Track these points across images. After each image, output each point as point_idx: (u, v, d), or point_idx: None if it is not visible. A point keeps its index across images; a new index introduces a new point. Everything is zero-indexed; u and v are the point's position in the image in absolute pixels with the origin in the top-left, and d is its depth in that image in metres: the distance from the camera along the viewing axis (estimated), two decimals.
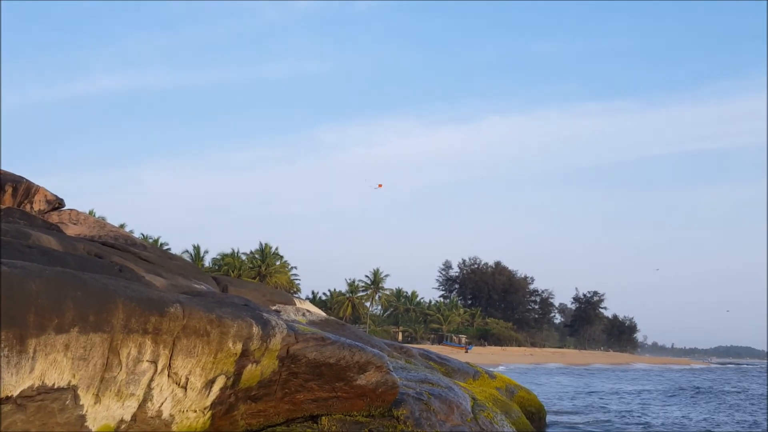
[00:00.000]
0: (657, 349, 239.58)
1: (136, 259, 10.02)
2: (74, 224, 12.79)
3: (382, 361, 8.85)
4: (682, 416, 23.61)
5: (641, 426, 20.55)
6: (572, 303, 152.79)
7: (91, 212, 61.73)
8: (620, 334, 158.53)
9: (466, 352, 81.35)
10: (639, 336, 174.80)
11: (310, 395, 8.37)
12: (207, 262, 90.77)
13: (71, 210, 14.21)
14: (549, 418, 20.30)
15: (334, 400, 8.58)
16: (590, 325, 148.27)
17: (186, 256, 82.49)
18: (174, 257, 12.93)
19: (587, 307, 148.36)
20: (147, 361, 6.76)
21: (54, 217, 13.43)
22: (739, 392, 36.82)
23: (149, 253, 11.13)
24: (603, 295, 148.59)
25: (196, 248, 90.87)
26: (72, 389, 6.23)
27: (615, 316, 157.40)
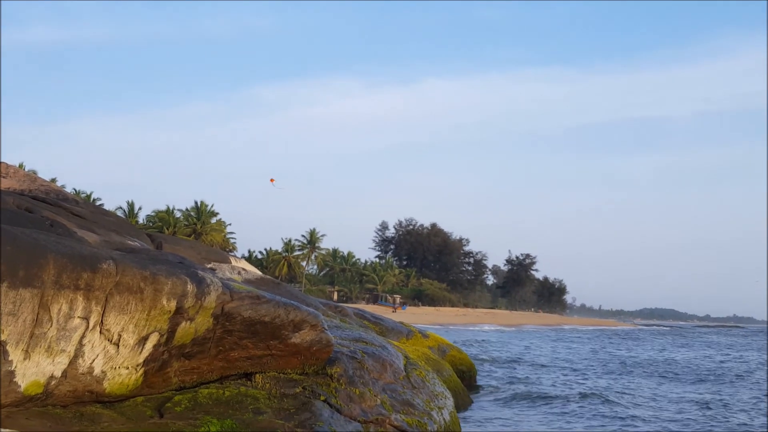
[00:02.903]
0: (585, 311, 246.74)
1: (68, 215, 9.80)
2: (3, 177, 12.41)
3: (317, 320, 8.94)
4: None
5: (561, 381, 21.27)
6: (505, 265, 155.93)
7: (20, 166, 59.80)
8: (550, 296, 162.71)
9: (394, 311, 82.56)
10: (568, 298, 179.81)
11: (244, 353, 8.42)
12: (141, 218, 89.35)
13: (0, 163, 13.77)
14: (479, 376, 20.83)
15: (268, 357, 8.65)
16: (522, 286, 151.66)
17: (119, 213, 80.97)
18: (107, 213, 12.67)
19: (519, 269, 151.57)
20: (78, 317, 6.69)
21: None
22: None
23: (82, 209, 10.89)
24: (535, 257, 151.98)
25: (130, 204, 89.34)
26: (1, 345, 6.14)
27: (546, 278, 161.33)
